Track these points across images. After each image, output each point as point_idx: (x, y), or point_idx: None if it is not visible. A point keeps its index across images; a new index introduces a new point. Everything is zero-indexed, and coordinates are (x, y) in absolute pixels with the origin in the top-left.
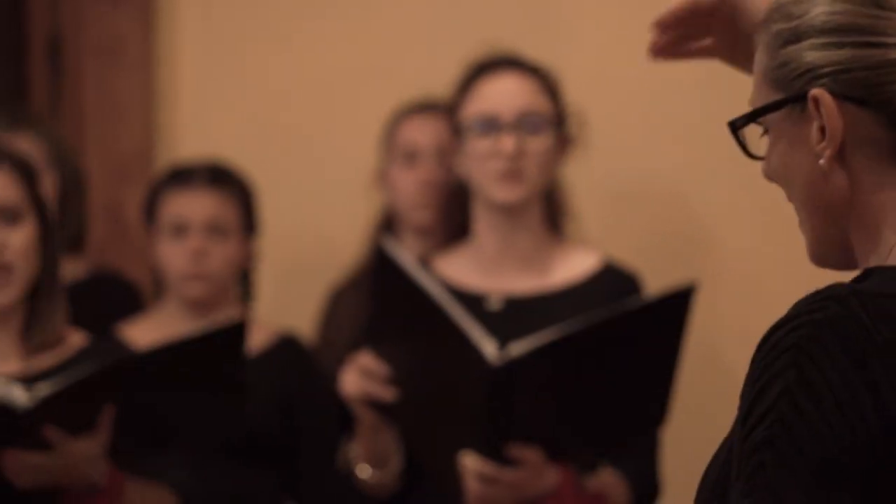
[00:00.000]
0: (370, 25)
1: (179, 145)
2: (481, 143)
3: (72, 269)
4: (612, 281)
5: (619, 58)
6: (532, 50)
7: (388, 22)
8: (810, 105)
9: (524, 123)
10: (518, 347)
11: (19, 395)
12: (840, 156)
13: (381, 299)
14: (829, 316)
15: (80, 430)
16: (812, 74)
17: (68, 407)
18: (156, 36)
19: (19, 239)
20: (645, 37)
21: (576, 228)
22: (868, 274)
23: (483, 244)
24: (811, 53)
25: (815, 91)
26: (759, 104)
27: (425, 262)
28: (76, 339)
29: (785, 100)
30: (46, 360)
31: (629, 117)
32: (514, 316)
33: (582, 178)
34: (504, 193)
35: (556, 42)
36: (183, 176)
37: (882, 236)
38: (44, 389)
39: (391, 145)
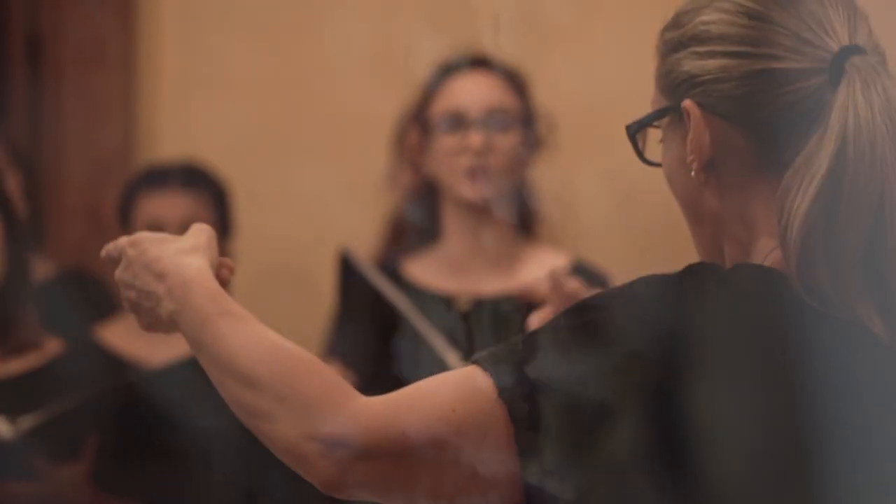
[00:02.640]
0: (354, 25)
1: (159, 146)
2: (448, 140)
3: (40, 270)
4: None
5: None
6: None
7: (375, 20)
8: (684, 115)
9: (491, 121)
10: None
11: (3, 428)
12: (711, 168)
13: (346, 309)
14: (670, 282)
15: (64, 458)
16: (688, 84)
17: (53, 436)
18: (136, 36)
19: None
20: (641, 37)
21: (546, 228)
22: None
23: (452, 244)
24: (689, 63)
25: (686, 102)
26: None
27: (396, 264)
28: (52, 346)
29: (666, 108)
30: (20, 365)
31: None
32: (482, 317)
33: (585, 178)
34: (471, 191)
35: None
36: (157, 177)
37: (755, 248)
38: (28, 421)
39: (401, 151)
